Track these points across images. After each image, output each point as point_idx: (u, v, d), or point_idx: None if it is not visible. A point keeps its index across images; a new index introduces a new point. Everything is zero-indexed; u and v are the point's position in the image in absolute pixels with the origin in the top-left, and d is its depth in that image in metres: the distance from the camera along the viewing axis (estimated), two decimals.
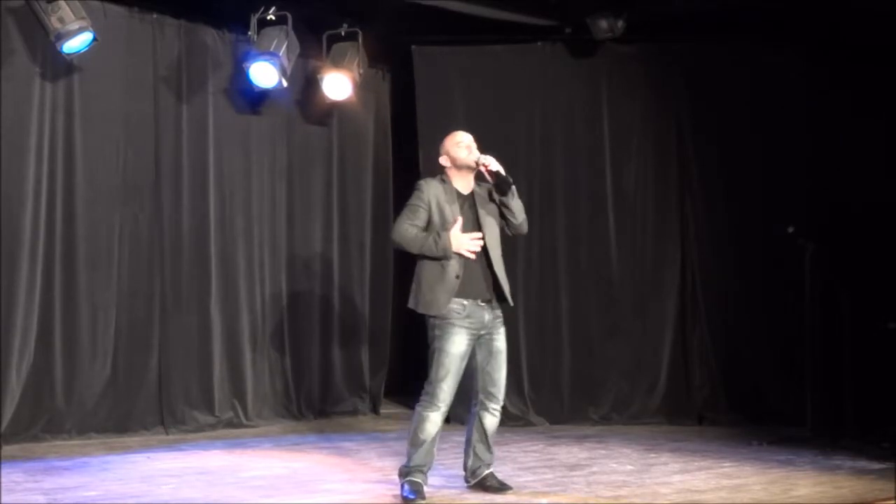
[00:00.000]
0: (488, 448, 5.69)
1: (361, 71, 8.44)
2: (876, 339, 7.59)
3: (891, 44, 7.69)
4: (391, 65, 9.18)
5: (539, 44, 8.77)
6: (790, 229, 7.64)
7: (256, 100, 8.30)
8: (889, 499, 5.63)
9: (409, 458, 5.51)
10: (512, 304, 5.67)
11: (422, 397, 5.52)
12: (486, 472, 5.71)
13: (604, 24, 8.18)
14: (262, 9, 7.88)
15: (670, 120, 8.77)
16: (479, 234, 5.45)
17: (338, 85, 8.39)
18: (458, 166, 5.54)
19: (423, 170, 8.77)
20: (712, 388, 8.54)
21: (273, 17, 7.88)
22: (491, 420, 5.64)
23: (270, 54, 7.79)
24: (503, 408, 8.34)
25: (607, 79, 8.79)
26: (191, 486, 5.92)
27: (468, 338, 5.46)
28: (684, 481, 6.13)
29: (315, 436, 7.92)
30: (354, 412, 8.88)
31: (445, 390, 5.45)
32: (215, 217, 8.12)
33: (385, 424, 8.60)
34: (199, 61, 8.07)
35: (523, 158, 8.74)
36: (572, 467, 6.59)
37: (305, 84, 8.66)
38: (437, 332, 5.48)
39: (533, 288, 8.71)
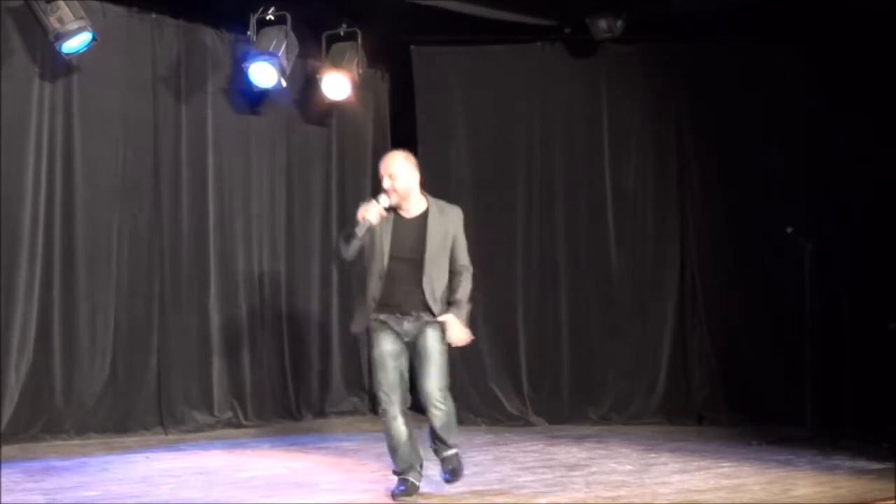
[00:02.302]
0: (441, 439, 5.60)
1: (360, 71, 8.44)
2: (876, 339, 7.58)
3: (891, 44, 7.68)
4: (390, 65, 9.18)
5: (538, 44, 8.77)
6: (790, 229, 7.64)
7: (256, 100, 8.30)
8: (889, 499, 5.62)
9: (395, 464, 5.61)
10: (440, 321, 5.48)
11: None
12: (447, 453, 5.64)
13: (603, 24, 8.18)
14: (262, 9, 7.88)
15: (670, 120, 8.77)
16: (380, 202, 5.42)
17: (337, 85, 8.39)
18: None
19: (422, 169, 8.77)
20: (712, 388, 8.54)
21: (272, 17, 7.88)
22: (434, 419, 5.53)
23: (269, 54, 7.79)
24: (502, 408, 8.52)
25: (607, 79, 8.79)
26: (190, 487, 5.92)
27: (391, 337, 5.47)
28: (683, 481, 6.13)
29: (314, 436, 7.92)
30: (353, 412, 8.88)
31: (384, 390, 5.47)
32: (214, 217, 8.12)
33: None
34: (198, 61, 8.07)
35: (523, 158, 8.75)
36: (572, 467, 6.59)
37: (304, 84, 8.66)
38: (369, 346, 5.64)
39: (533, 288, 8.70)
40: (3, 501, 5.42)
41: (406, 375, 5.53)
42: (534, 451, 7.19)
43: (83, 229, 7.52)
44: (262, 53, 7.81)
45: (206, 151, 8.11)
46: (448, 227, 5.56)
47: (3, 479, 5.88)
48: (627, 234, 8.74)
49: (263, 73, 7.89)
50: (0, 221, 7.12)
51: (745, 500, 5.63)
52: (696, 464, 6.69)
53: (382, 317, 5.46)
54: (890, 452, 6.78)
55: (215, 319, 8.07)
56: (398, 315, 5.46)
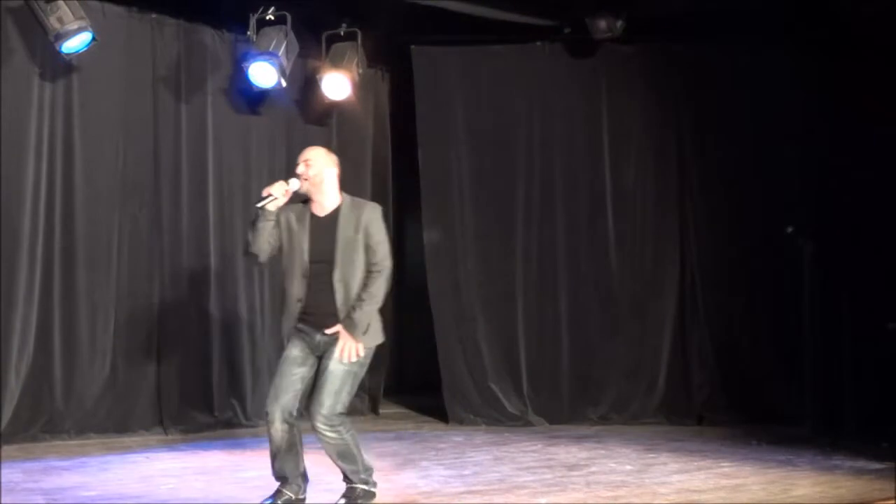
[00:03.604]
0: (343, 471, 5.26)
1: (360, 71, 8.44)
2: (876, 339, 7.58)
3: (891, 44, 7.68)
4: (390, 65, 9.17)
5: (538, 44, 8.76)
6: (790, 229, 7.64)
7: (255, 100, 8.30)
8: (888, 499, 5.63)
9: (272, 470, 5.28)
10: (342, 326, 5.12)
11: None
12: (352, 486, 5.27)
13: (603, 23, 8.18)
14: (262, 9, 7.88)
15: (670, 120, 8.77)
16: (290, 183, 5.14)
17: (337, 85, 8.39)
18: None
19: (422, 169, 8.80)
20: (712, 388, 8.54)
21: (272, 17, 7.88)
22: (324, 446, 5.17)
23: (269, 54, 7.78)
24: (502, 408, 8.50)
25: (607, 79, 8.79)
26: (190, 486, 5.93)
27: (301, 345, 5.17)
28: (683, 481, 6.13)
29: (314, 436, 7.90)
30: (353, 412, 8.83)
31: (271, 393, 5.16)
32: (214, 217, 8.12)
33: (384, 424, 8.60)
34: (198, 61, 8.07)
35: (523, 158, 8.75)
36: (571, 467, 6.59)
37: (304, 84, 8.65)
38: None
39: (533, 288, 8.70)
40: (3, 501, 5.42)
41: (301, 385, 5.16)
42: (534, 451, 7.19)
43: (83, 229, 7.52)
44: (262, 53, 7.81)
45: (206, 151, 8.11)
46: (360, 223, 5.19)
47: (3, 479, 5.88)
48: (627, 234, 8.74)
49: (263, 73, 7.89)
50: (0, 221, 7.12)
51: (745, 500, 5.63)
52: (696, 464, 6.69)
53: (301, 325, 5.18)
54: (890, 452, 6.78)
55: (215, 319, 8.07)
56: (314, 328, 5.16)
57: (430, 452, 7.17)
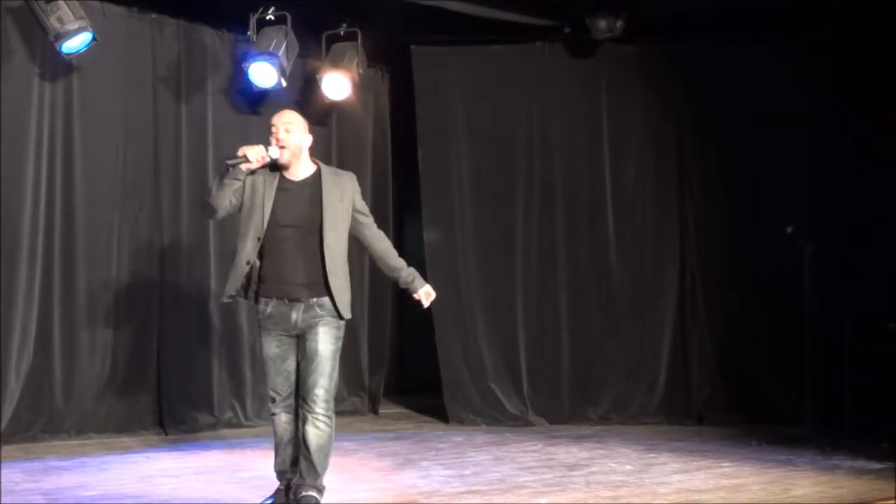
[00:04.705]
0: (313, 466, 5.07)
1: (360, 71, 8.44)
2: (876, 339, 7.58)
3: (891, 44, 7.68)
4: (390, 65, 9.17)
5: (538, 44, 8.76)
6: (790, 229, 7.64)
7: (255, 100, 8.29)
8: (888, 499, 5.63)
9: (274, 463, 5.29)
10: (338, 306, 5.02)
11: None
12: (307, 493, 5.08)
13: (603, 23, 8.18)
14: (262, 9, 7.88)
15: (670, 120, 8.76)
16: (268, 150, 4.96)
17: (337, 85, 8.39)
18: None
19: (422, 169, 8.80)
20: (712, 388, 8.54)
21: (272, 17, 7.88)
22: (313, 433, 5.03)
23: (269, 54, 7.78)
24: (502, 408, 8.51)
25: (607, 79, 8.78)
26: (190, 486, 5.92)
27: (277, 339, 5.06)
28: (683, 481, 6.13)
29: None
30: (353, 412, 8.88)
31: (272, 388, 5.13)
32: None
33: (384, 424, 8.60)
34: (198, 61, 8.07)
35: (523, 158, 8.74)
36: (571, 467, 6.59)
37: (304, 84, 8.65)
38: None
39: (533, 288, 8.70)
40: (3, 501, 5.42)
41: (294, 377, 5.11)
42: (534, 451, 7.19)
43: (83, 229, 7.51)
44: (262, 53, 7.81)
45: (207, 151, 8.10)
46: (345, 191, 5.11)
47: (3, 479, 5.88)
48: (627, 233, 8.73)
49: (263, 73, 7.89)
50: (0, 221, 7.12)
51: (745, 500, 5.63)
52: (696, 464, 6.69)
53: (266, 306, 5.01)
54: (890, 452, 6.78)
55: (215, 319, 8.07)
56: (286, 301, 4.98)
57: (430, 452, 7.17)
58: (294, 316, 5.02)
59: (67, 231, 7.46)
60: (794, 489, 5.90)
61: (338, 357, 5.11)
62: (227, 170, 4.99)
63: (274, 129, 5.08)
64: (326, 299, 5.04)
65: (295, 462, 5.20)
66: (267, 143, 5.08)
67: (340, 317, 5.09)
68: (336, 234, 5.05)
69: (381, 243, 5.36)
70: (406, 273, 5.36)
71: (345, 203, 5.11)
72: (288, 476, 5.26)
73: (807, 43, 8.41)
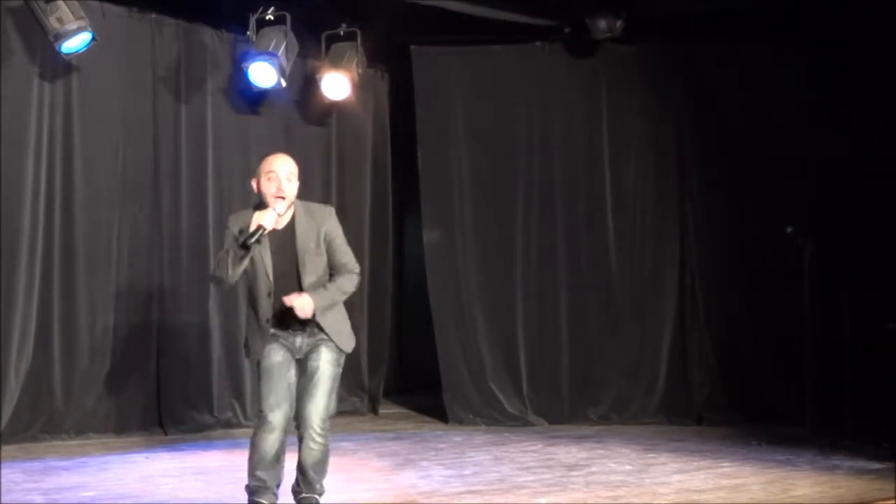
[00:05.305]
0: (313, 479, 5.09)
1: (360, 71, 8.44)
2: (876, 339, 7.57)
3: (891, 44, 7.68)
4: (390, 65, 9.17)
5: (538, 44, 8.76)
6: (790, 229, 7.64)
7: (255, 100, 8.30)
8: (888, 499, 5.62)
9: (248, 478, 5.14)
10: (328, 335, 4.98)
11: None
12: (307, 495, 5.10)
13: (603, 23, 8.19)
14: (261, 9, 7.88)
15: (670, 120, 8.77)
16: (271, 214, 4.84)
17: (336, 85, 8.39)
18: (267, 200, 4.93)
19: (422, 169, 8.80)
20: (711, 388, 8.54)
21: (272, 17, 7.88)
22: (307, 453, 5.01)
23: (269, 54, 7.78)
24: (502, 408, 8.51)
25: (607, 79, 8.78)
26: (189, 486, 5.92)
27: (282, 349, 4.98)
28: (683, 481, 6.13)
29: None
30: (353, 412, 8.88)
31: (269, 401, 5.00)
32: (214, 217, 8.10)
33: (384, 424, 8.60)
34: (197, 61, 8.07)
35: (522, 158, 8.75)
36: (571, 467, 6.59)
37: (304, 84, 8.65)
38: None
39: (532, 288, 8.70)
40: (2, 501, 5.42)
41: (293, 390, 5.00)
42: (533, 451, 7.19)
43: (83, 229, 7.51)
44: (261, 53, 7.81)
45: (206, 151, 8.11)
46: (319, 227, 4.97)
47: (3, 479, 5.88)
48: (627, 233, 8.73)
49: (263, 73, 7.89)
50: (0, 221, 7.12)
51: (744, 500, 5.63)
52: (695, 464, 6.69)
53: (274, 331, 4.98)
54: (890, 452, 6.77)
55: (215, 319, 8.07)
56: (290, 330, 4.96)
57: (430, 452, 7.17)
58: (299, 341, 5.00)
59: (67, 231, 7.46)
60: (793, 489, 5.90)
61: (337, 383, 5.05)
62: (249, 248, 4.87)
63: (273, 177, 4.93)
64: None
65: (276, 479, 5.10)
66: (265, 173, 4.95)
67: (340, 350, 5.06)
68: (317, 276, 4.97)
69: (336, 278, 5.07)
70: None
71: (320, 239, 4.98)
72: (273, 492, 5.10)
73: (807, 43, 8.40)
